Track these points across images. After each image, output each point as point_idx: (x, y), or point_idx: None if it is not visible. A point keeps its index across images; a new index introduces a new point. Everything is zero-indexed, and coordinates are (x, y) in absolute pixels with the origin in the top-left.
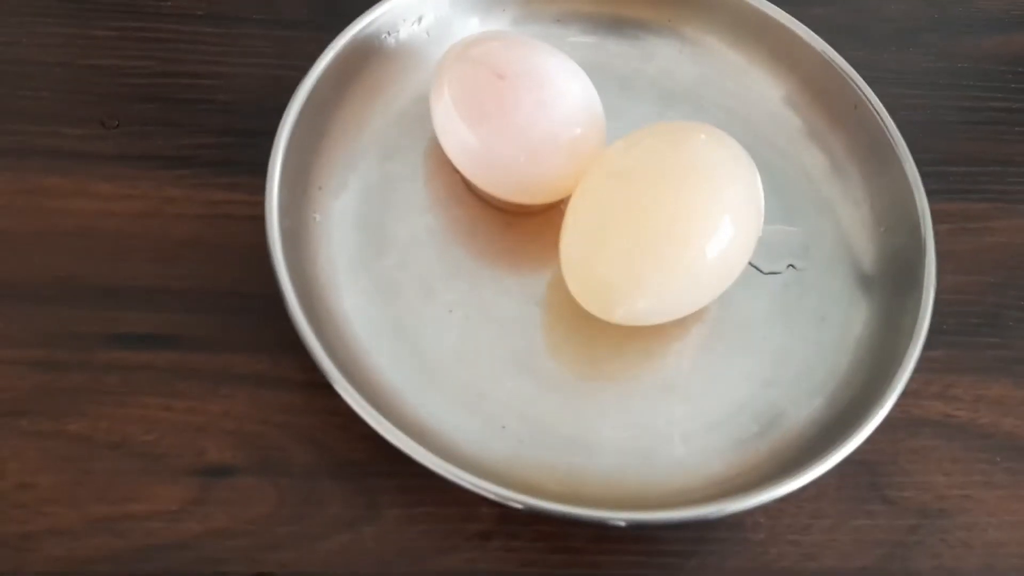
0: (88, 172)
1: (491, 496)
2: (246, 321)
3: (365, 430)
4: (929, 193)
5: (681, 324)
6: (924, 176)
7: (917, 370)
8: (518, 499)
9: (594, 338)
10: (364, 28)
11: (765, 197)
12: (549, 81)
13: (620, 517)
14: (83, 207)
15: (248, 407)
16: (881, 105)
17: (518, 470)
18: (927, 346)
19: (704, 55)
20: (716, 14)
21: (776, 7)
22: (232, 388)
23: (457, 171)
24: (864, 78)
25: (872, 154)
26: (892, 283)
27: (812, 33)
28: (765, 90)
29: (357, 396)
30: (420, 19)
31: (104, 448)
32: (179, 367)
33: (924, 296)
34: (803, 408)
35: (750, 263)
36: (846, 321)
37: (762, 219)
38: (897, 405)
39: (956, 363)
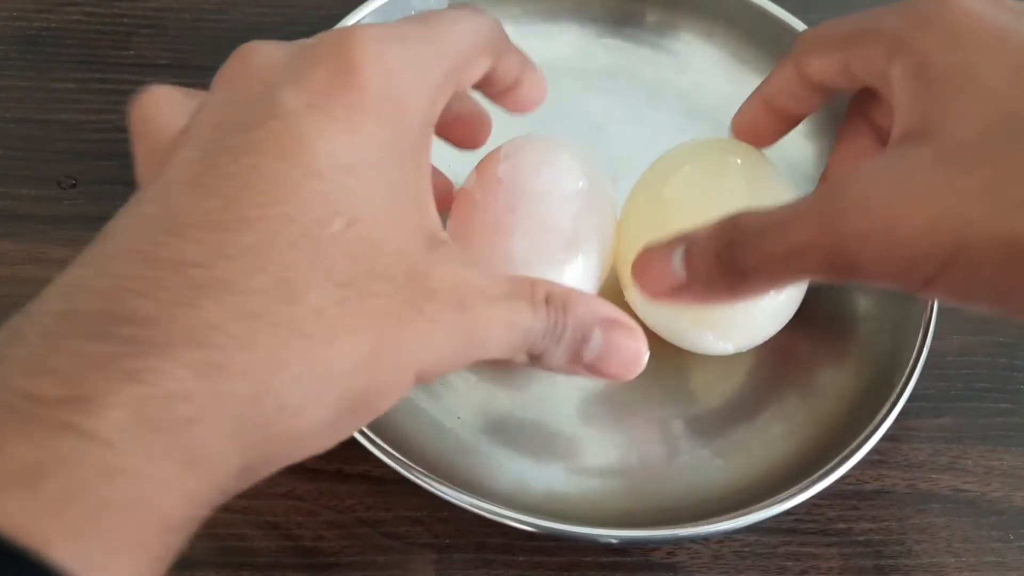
0: (43, 236)
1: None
2: None
3: (331, 516)
4: None
5: None
6: None
7: (924, 440)
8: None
9: None
10: None
11: None
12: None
13: None
14: (36, 274)
15: None
16: None
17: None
18: (935, 414)
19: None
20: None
21: None
22: None
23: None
24: None
25: None
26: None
27: None
28: None
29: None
30: None
31: None
32: None
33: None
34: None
35: None
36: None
37: None
38: (904, 478)
39: (965, 431)
